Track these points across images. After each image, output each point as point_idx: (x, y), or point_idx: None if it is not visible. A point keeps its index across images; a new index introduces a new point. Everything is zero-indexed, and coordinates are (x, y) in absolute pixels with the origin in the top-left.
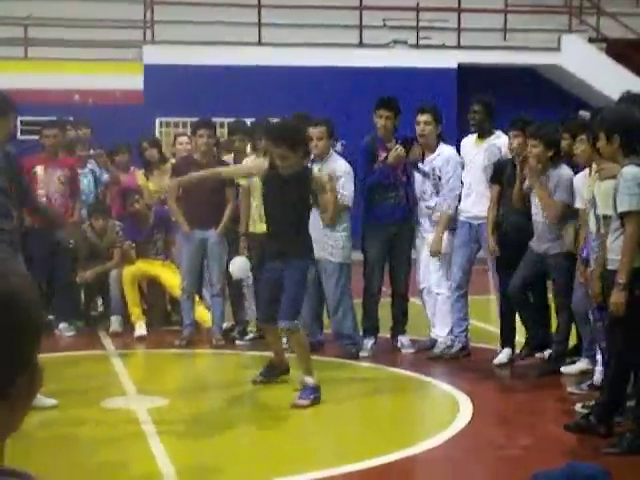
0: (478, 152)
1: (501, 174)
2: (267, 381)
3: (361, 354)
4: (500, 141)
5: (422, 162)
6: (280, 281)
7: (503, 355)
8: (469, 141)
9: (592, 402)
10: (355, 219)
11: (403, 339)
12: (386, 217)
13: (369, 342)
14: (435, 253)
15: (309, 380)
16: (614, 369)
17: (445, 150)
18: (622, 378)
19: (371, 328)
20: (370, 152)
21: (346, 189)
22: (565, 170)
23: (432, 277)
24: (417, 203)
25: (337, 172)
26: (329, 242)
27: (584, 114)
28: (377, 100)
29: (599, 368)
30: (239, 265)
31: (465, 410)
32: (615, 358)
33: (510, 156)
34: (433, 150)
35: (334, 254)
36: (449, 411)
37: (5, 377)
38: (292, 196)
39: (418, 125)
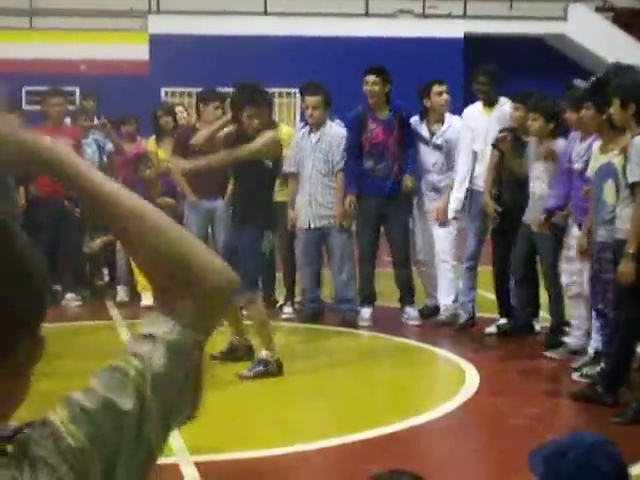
0: (490, 121)
1: (501, 142)
2: (225, 359)
3: (360, 323)
4: (506, 107)
5: (430, 134)
6: (236, 248)
7: (493, 326)
8: (475, 110)
9: (585, 370)
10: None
11: (410, 310)
12: (374, 189)
13: (367, 311)
14: (442, 221)
15: (263, 353)
16: (621, 338)
17: (455, 121)
18: (628, 347)
19: (367, 297)
20: (358, 122)
21: (342, 154)
22: (563, 143)
23: (439, 245)
24: (418, 176)
25: (334, 140)
26: (329, 207)
27: (579, 82)
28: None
29: (576, 332)
30: None
31: (471, 380)
32: (622, 327)
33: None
34: (438, 121)
35: (332, 217)
36: (455, 380)
37: (4, 342)
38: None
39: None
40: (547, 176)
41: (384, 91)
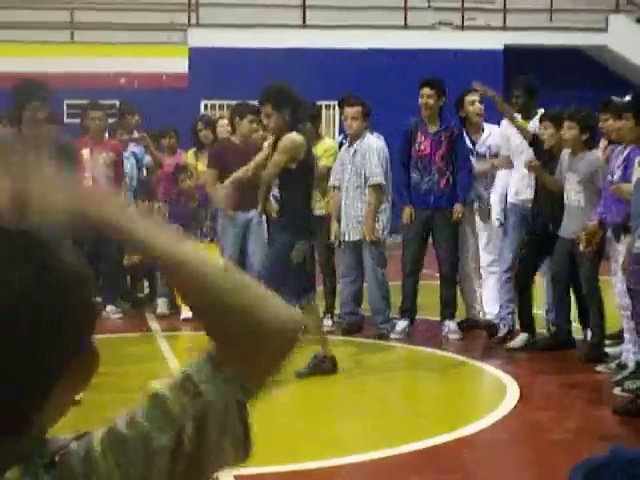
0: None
1: (538, 154)
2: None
3: (392, 335)
4: (493, 134)
5: (472, 144)
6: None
7: (519, 339)
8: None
9: (627, 384)
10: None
11: (450, 324)
12: (419, 201)
13: (403, 324)
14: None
15: (320, 351)
16: None
17: (494, 129)
18: None
19: (406, 310)
20: (409, 135)
21: (375, 167)
22: (596, 155)
23: (484, 256)
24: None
25: (368, 151)
26: (360, 219)
27: (617, 100)
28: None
29: (627, 347)
30: None
31: (511, 393)
32: None
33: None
34: (478, 131)
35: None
36: (495, 393)
37: (55, 359)
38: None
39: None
40: (581, 187)
41: (438, 104)
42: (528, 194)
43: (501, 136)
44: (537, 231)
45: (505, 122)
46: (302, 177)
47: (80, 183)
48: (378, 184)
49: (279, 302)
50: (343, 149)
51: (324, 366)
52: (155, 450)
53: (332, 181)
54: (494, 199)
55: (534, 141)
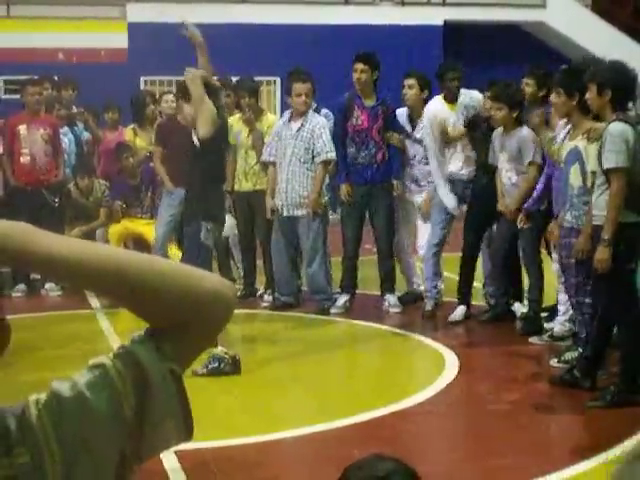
0: (457, 116)
1: (474, 129)
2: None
3: (333, 310)
4: (473, 99)
5: (412, 128)
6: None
7: (458, 312)
8: (439, 104)
9: (565, 356)
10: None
11: (390, 298)
12: (357, 176)
13: (343, 298)
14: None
15: (217, 350)
16: (598, 324)
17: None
18: (606, 333)
19: (347, 285)
20: (345, 110)
21: (327, 143)
22: (527, 131)
23: (422, 238)
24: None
25: (316, 129)
26: (304, 194)
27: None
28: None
29: (560, 318)
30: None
31: (451, 365)
32: (600, 313)
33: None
34: (419, 115)
35: (306, 206)
36: (435, 366)
37: None
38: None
39: (403, 88)
40: (511, 165)
41: (372, 79)
42: (463, 170)
43: (428, 119)
44: (477, 208)
45: (431, 106)
46: (212, 151)
47: None
48: (329, 160)
49: (208, 273)
50: (280, 124)
51: (224, 367)
52: (91, 409)
53: (266, 156)
54: (439, 183)
55: (469, 124)
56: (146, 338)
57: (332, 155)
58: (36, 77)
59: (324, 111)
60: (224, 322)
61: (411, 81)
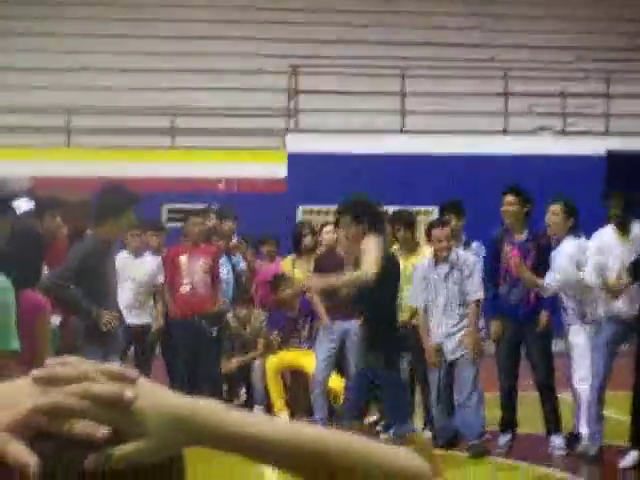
0: (624, 249)
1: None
2: None
3: (496, 449)
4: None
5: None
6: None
7: (631, 457)
8: (609, 235)
9: None
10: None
11: (555, 439)
12: (509, 312)
13: (504, 438)
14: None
15: None
16: None
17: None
18: None
19: (507, 424)
20: (495, 245)
21: (476, 284)
22: None
23: (581, 371)
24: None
25: (465, 270)
26: (459, 334)
27: None
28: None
29: None
30: None
31: None
32: None
33: None
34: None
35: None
36: None
37: None
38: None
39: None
40: None
41: (522, 212)
42: (626, 306)
43: (593, 246)
44: None
45: (604, 237)
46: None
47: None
48: (478, 300)
49: (403, 450)
50: (425, 268)
51: None
52: None
53: (414, 301)
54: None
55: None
56: None
57: (480, 295)
58: (200, 207)
59: (475, 244)
60: None
61: (557, 206)
